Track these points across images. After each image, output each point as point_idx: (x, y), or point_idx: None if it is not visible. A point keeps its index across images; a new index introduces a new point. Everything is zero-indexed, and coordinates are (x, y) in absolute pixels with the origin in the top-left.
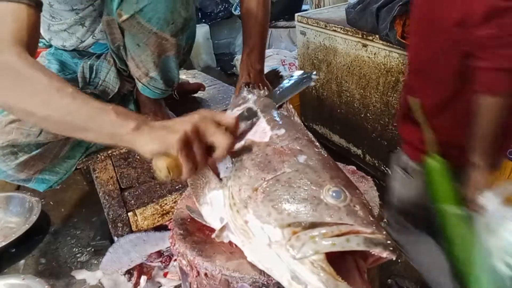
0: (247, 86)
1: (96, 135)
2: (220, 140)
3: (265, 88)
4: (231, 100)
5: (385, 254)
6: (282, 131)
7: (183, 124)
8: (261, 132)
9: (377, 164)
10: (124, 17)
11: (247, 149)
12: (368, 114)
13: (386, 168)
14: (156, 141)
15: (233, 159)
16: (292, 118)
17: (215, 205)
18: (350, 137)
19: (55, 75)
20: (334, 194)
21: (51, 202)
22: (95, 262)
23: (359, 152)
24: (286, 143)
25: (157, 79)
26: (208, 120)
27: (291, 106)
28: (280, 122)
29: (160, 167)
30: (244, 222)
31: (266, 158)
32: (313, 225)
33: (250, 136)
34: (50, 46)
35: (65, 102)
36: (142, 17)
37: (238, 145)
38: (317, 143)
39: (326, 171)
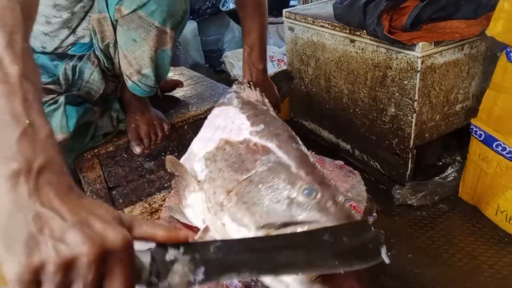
0: (236, 84)
1: None
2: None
3: (257, 89)
4: (220, 97)
5: None
6: (260, 127)
7: (66, 239)
8: (237, 130)
9: (365, 159)
10: (125, 12)
11: (221, 149)
12: (356, 109)
13: (375, 163)
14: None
15: (207, 162)
16: (269, 112)
17: (195, 207)
18: (339, 132)
19: (17, 39)
20: (305, 192)
21: None
22: None
23: (348, 147)
24: (260, 140)
25: (149, 76)
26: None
27: (266, 100)
28: (257, 118)
29: None
30: (222, 225)
31: (239, 158)
32: (285, 225)
33: (225, 135)
34: None
35: None
36: (144, 11)
37: (212, 146)
38: (295, 138)
39: (299, 168)
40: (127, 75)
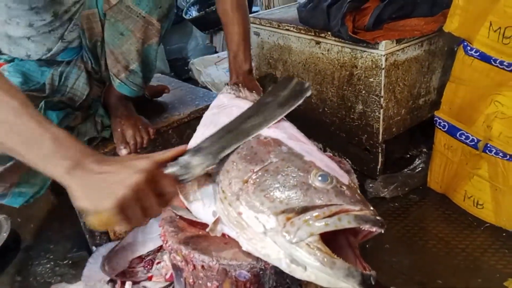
0: (227, 85)
1: (32, 164)
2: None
3: (253, 92)
4: (201, 101)
5: (374, 229)
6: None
7: (123, 182)
8: None
9: (337, 156)
10: (113, 2)
11: None
12: (325, 109)
13: (347, 160)
14: (88, 201)
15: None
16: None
17: (206, 200)
18: (310, 132)
19: (5, 82)
20: (321, 178)
21: (18, 219)
22: (74, 273)
23: (320, 146)
24: (269, 133)
25: (137, 72)
26: (149, 180)
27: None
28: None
29: (92, 224)
30: (237, 214)
31: (252, 150)
32: (305, 209)
33: None
34: (12, 60)
35: (4, 117)
36: (131, 0)
37: None
38: (299, 132)
39: (310, 156)
40: (114, 74)
